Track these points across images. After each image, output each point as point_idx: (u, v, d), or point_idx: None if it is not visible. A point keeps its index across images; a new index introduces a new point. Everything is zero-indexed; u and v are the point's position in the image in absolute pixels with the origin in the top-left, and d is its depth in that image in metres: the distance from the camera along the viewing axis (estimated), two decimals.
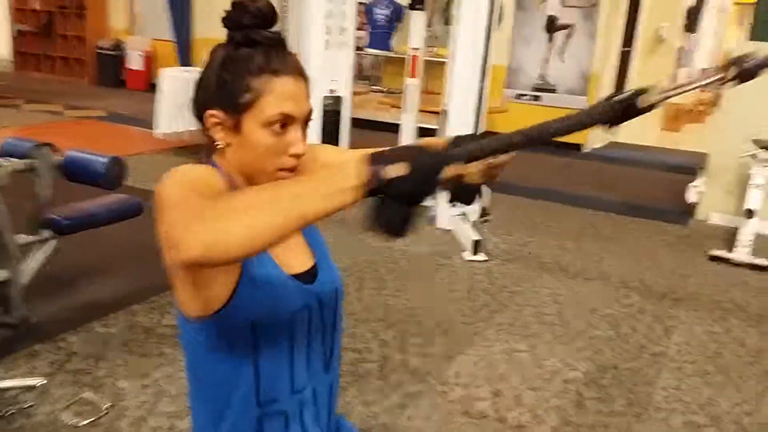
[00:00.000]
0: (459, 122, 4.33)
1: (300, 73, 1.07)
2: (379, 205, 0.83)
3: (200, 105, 1.08)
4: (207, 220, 0.80)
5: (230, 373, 1.09)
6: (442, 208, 4.56)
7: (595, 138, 8.13)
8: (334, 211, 0.83)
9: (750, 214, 4.32)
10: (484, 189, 4.26)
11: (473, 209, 4.32)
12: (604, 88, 8.27)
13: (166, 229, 0.84)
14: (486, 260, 4.08)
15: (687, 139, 8.94)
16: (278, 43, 1.07)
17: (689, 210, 5.36)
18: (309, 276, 1.14)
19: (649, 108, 0.82)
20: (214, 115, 1.05)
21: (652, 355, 3.08)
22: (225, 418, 1.11)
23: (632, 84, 9.58)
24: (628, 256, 4.38)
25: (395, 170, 0.82)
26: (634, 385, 2.81)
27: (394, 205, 0.83)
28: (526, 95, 7.80)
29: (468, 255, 4.12)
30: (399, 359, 2.86)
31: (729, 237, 4.83)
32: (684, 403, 2.70)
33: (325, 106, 4.92)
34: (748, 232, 4.37)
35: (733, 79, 0.80)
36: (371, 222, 0.84)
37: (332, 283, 1.19)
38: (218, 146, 1.07)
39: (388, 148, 0.86)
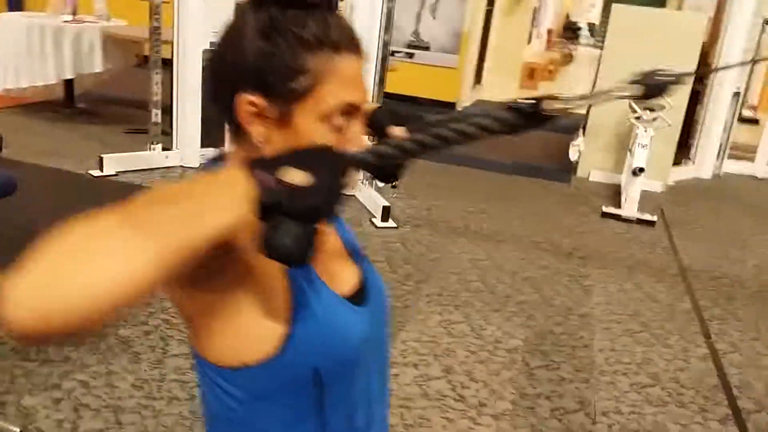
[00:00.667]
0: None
1: (360, 47, 0.80)
2: (272, 226, 0.61)
3: (227, 85, 0.78)
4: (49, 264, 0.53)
5: (282, 427, 0.84)
6: None
7: (464, 96, 8.23)
8: (208, 240, 0.59)
9: (639, 172, 4.52)
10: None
11: None
12: (473, 46, 8.36)
13: None
14: (396, 227, 3.93)
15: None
16: (333, 5, 0.80)
17: (571, 168, 5.56)
18: (361, 294, 0.90)
19: (551, 118, 0.76)
20: (253, 102, 0.76)
21: (580, 317, 3.12)
22: None
23: (494, 43, 9.82)
24: (531, 217, 4.44)
25: (293, 179, 0.62)
26: (573, 349, 2.82)
27: (291, 224, 0.61)
28: (400, 52, 7.65)
29: (378, 222, 3.95)
30: None
31: (611, 193, 5.08)
32: (624, 365, 2.75)
33: (204, 61, 4.46)
34: (635, 189, 4.58)
35: (641, 96, 0.75)
36: (264, 246, 0.62)
37: (382, 293, 0.96)
38: (259, 143, 0.78)
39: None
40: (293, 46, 0.76)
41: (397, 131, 0.85)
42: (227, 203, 0.61)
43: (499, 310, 3.08)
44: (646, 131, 4.64)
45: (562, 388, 2.54)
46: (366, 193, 4.19)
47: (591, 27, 20.94)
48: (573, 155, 5.50)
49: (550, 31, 15.23)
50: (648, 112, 4.75)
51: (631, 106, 4.94)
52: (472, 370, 2.58)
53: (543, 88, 10.52)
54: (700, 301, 3.40)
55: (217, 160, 0.87)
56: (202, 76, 4.32)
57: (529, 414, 2.35)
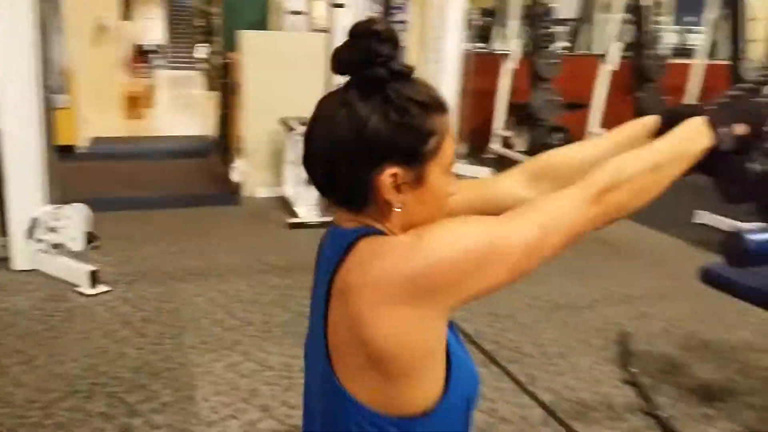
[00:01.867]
0: None
1: None
2: (740, 160, 0.96)
3: (362, 166, 0.86)
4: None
5: None
6: (18, 246, 3.79)
7: (81, 136, 7.66)
8: (682, 174, 0.97)
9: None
10: (86, 210, 3.72)
11: (72, 237, 3.73)
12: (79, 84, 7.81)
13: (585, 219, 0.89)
14: (110, 290, 3.62)
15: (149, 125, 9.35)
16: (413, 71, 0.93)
17: (236, 190, 5.74)
18: None
19: None
20: (395, 174, 0.85)
21: None
22: None
23: (88, 76, 9.28)
24: (230, 243, 4.50)
25: (740, 130, 0.94)
26: None
27: (746, 160, 0.97)
28: None
29: (86, 289, 3.58)
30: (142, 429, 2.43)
31: (281, 205, 5.42)
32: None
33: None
34: (311, 196, 5.00)
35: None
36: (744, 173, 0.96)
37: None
38: (397, 208, 0.88)
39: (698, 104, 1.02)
40: (420, 113, 0.86)
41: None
42: (699, 151, 0.97)
43: (268, 337, 3.15)
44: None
45: None
46: (54, 263, 3.74)
47: (158, 49, 21.03)
48: (236, 177, 5.68)
49: (132, 58, 14.92)
50: (302, 126, 5.21)
51: (284, 124, 5.36)
52: (286, 399, 2.64)
53: (148, 115, 10.39)
54: None
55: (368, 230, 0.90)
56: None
57: None
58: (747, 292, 2.77)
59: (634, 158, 0.94)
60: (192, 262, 4.12)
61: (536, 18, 7.22)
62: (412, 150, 0.86)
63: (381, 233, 0.90)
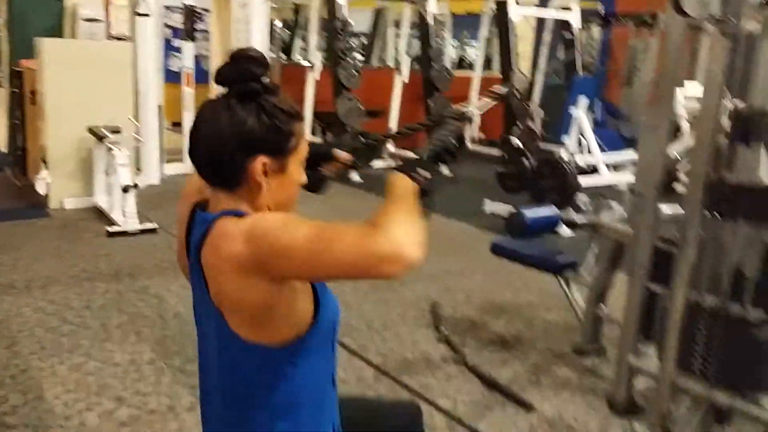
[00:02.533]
0: None
1: None
2: (430, 198, 1.25)
3: (240, 154, 1.15)
4: (404, 234, 1.05)
5: (317, 374, 1.28)
6: None
7: None
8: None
9: (130, 188, 4.94)
10: None
11: None
12: None
13: (358, 255, 1.03)
14: None
15: None
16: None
17: (43, 202, 5.51)
18: None
19: None
20: (265, 162, 1.16)
21: (179, 316, 3.52)
22: (295, 416, 1.24)
23: None
24: (47, 256, 4.38)
25: (426, 175, 1.26)
26: None
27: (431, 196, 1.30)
28: None
29: None
30: None
31: (96, 215, 5.33)
32: None
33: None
34: (130, 204, 4.99)
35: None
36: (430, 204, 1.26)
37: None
38: (265, 189, 1.18)
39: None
40: (285, 118, 1.19)
41: (342, 154, 1.38)
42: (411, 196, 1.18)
43: (108, 338, 3.22)
44: (121, 151, 5.07)
45: None
46: None
47: None
48: (41, 189, 5.45)
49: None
50: (113, 134, 5.18)
51: (94, 133, 5.27)
52: (139, 389, 2.76)
53: None
54: None
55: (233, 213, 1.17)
56: None
57: None
58: (528, 259, 3.42)
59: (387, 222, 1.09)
60: (9, 276, 3.98)
61: (335, 32, 7.72)
62: (278, 145, 1.18)
63: (236, 214, 1.15)
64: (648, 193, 2.47)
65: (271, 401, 1.21)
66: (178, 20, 8.09)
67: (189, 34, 7.26)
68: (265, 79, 1.18)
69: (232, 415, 1.25)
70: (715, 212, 2.20)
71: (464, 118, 1.45)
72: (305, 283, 1.21)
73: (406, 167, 1.24)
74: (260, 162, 1.15)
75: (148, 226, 5.01)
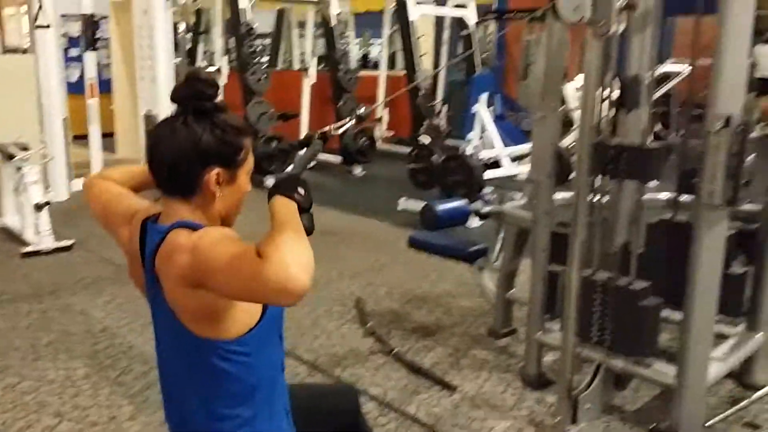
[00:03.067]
0: None
1: None
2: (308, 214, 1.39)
3: (196, 166, 1.31)
4: (293, 262, 1.10)
5: (268, 361, 1.46)
6: None
7: None
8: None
9: (41, 206, 4.86)
10: None
11: None
12: None
13: (258, 281, 1.10)
14: None
15: None
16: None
17: None
18: None
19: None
20: (218, 173, 1.33)
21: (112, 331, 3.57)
22: (253, 400, 1.40)
23: None
24: None
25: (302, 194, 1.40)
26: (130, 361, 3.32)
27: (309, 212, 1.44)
28: None
29: None
30: None
31: (5, 237, 5.21)
32: None
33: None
34: (44, 222, 4.91)
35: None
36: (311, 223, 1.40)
37: None
38: (218, 196, 1.35)
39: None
40: (236, 134, 1.36)
41: None
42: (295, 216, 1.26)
43: (39, 357, 3.24)
44: (30, 168, 4.98)
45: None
46: None
47: None
48: None
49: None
50: (22, 152, 5.08)
51: (1, 151, 5.14)
52: (77, 403, 2.82)
53: None
54: None
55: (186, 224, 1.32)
56: None
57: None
58: (442, 249, 3.69)
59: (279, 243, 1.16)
60: None
61: (241, 37, 7.77)
62: (230, 158, 1.35)
63: (190, 226, 1.30)
64: (542, 180, 2.78)
65: (230, 389, 1.37)
66: (74, 29, 7.91)
67: (91, 43, 7.13)
68: (216, 100, 1.34)
69: (194, 407, 1.40)
70: (601, 173, 2.52)
71: (328, 135, 1.69)
72: None
73: (285, 188, 1.32)
74: (214, 173, 1.32)
75: (63, 243, 4.96)
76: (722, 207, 2.30)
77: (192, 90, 1.33)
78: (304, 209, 1.31)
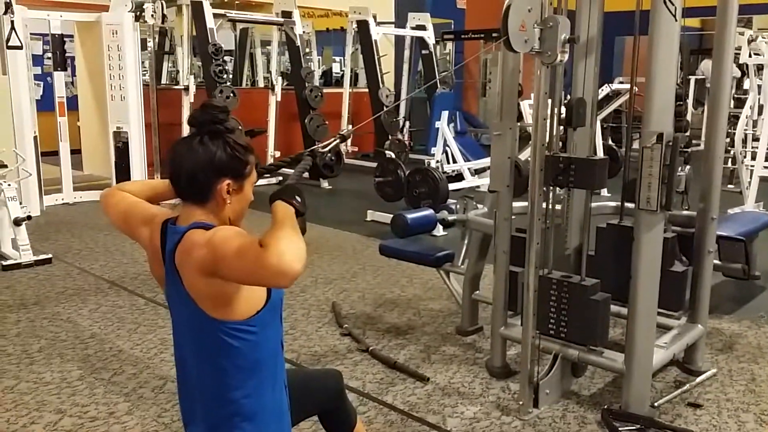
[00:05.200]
0: None
1: None
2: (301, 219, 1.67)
3: (211, 177, 1.58)
4: (287, 251, 1.35)
5: (271, 340, 1.72)
6: None
7: None
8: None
9: (19, 221, 4.99)
10: None
11: None
12: None
13: (258, 270, 1.35)
14: None
15: None
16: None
17: None
18: None
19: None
20: (230, 184, 1.60)
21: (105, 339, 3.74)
22: (258, 373, 1.65)
23: None
24: None
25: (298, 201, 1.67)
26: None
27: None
28: None
29: None
30: None
31: None
32: None
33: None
34: (23, 237, 5.04)
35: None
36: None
37: None
38: (228, 203, 1.62)
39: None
40: (244, 151, 1.64)
41: None
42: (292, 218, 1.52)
43: (33, 362, 3.40)
44: (9, 185, 5.11)
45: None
46: None
47: None
48: None
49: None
50: (1, 168, 5.21)
51: None
52: (76, 401, 3.00)
53: None
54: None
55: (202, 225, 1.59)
56: None
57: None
58: (411, 255, 3.98)
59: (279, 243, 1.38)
60: None
61: (208, 56, 7.99)
62: (239, 171, 1.62)
63: (204, 226, 1.57)
64: (501, 190, 3.09)
65: (239, 364, 1.62)
66: (36, 48, 8.02)
67: (60, 63, 7.26)
68: (228, 124, 1.61)
69: (208, 383, 1.64)
70: (553, 184, 2.86)
71: (316, 153, 1.98)
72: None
73: (285, 195, 1.57)
74: (225, 183, 1.58)
75: (44, 257, 5.09)
76: (658, 211, 2.64)
77: (208, 115, 1.60)
78: (299, 213, 1.56)
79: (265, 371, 1.66)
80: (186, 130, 8.44)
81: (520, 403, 2.92)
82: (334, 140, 2.24)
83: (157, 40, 10.69)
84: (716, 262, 3.72)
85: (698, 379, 3.21)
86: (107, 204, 1.82)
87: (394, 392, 3.11)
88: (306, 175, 1.92)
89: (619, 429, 2.72)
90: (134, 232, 1.75)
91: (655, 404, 2.95)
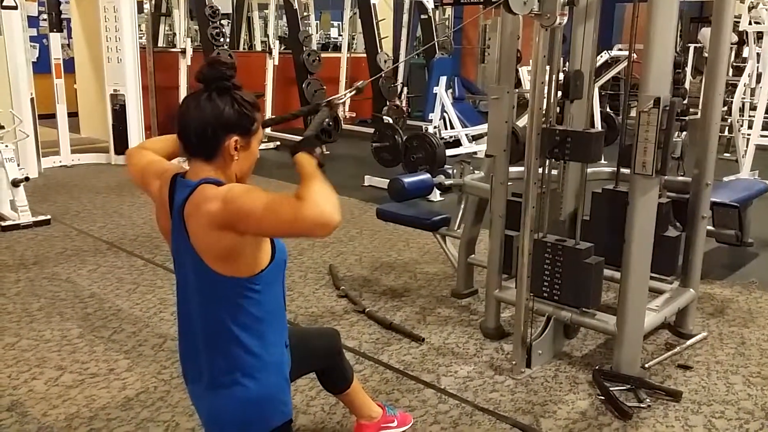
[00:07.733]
0: None
1: None
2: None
3: (219, 133, 1.59)
4: (326, 203, 1.42)
5: (274, 299, 1.76)
6: None
7: None
8: None
9: (17, 182, 5.00)
10: None
11: None
12: None
13: (296, 221, 1.40)
14: None
15: None
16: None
17: None
18: None
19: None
20: (237, 140, 1.62)
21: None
22: (261, 330, 1.69)
23: None
24: None
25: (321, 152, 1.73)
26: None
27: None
28: None
29: None
30: None
31: None
32: None
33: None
34: (21, 198, 5.06)
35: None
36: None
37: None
38: (235, 159, 1.64)
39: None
40: (252, 108, 1.65)
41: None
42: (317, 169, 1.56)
43: (33, 320, 3.44)
44: (7, 146, 5.11)
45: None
46: None
47: None
48: None
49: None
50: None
51: None
52: (77, 358, 3.06)
53: None
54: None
55: (213, 181, 1.61)
56: None
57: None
58: (408, 219, 4.01)
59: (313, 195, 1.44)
60: None
61: (206, 18, 7.91)
62: (246, 128, 1.63)
63: (215, 182, 1.60)
64: (498, 154, 3.11)
65: (242, 320, 1.65)
66: (31, 9, 7.92)
67: (56, 24, 7.19)
68: (235, 80, 1.61)
69: (211, 338, 1.68)
70: (549, 156, 2.87)
71: (332, 104, 1.94)
72: (258, 238, 1.64)
73: (307, 147, 1.60)
74: (233, 139, 1.59)
75: (42, 218, 5.11)
76: (653, 176, 2.66)
77: (216, 72, 1.60)
78: (320, 165, 1.59)
79: (268, 329, 1.70)
80: (183, 93, 8.41)
81: (513, 363, 2.98)
82: (350, 91, 2.21)
83: (153, 1, 10.60)
84: (710, 228, 3.75)
85: (688, 342, 3.27)
86: (129, 162, 1.87)
87: (389, 352, 3.17)
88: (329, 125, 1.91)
89: (610, 389, 2.78)
90: (148, 186, 1.77)
91: (646, 365, 3.01)
